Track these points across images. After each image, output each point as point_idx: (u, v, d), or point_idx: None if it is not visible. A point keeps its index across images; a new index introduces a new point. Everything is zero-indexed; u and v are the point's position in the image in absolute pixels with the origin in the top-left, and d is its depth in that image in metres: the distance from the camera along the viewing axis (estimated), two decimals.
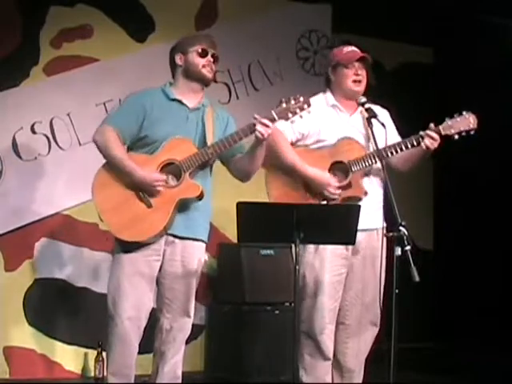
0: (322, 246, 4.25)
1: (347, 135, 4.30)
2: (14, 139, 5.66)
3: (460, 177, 7.27)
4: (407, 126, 4.52)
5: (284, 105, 3.94)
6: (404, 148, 4.20)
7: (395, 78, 7.41)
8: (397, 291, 3.62)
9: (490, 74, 6.96)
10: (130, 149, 4.15)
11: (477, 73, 7.03)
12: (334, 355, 4.42)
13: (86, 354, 5.75)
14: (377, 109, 4.41)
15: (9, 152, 5.64)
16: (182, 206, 4.06)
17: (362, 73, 4.34)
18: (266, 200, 4.30)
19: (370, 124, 4.14)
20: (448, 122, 4.21)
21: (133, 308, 4.05)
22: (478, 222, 7.16)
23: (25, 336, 5.63)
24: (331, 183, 4.20)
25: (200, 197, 4.05)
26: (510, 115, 6.85)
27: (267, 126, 3.90)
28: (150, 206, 4.00)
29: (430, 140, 4.17)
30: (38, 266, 5.69)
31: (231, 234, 5.81)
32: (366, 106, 4.18)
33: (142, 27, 6.07)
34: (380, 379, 3.94)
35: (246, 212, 3.79)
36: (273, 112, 3.93)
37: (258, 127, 3.90)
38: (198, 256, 4.19)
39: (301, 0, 6.61)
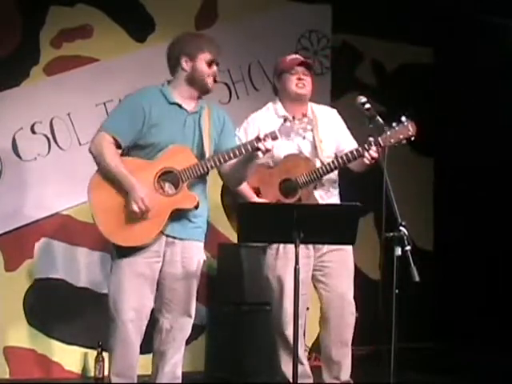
0: (282, 247, 4.41)
1: (292, 151, 4.45)
2: (13, 139, 5.66)
3: (460, 177, 7.27)
4: None
5: (288, 124, 4.02)
6: (347, 162, 4.35)
7: (395, 78, 7.41)
8: (397, 291, 3.62)
9: (490, 73, 6.96)
10: (125, 152, 4.13)
11: (477, 73, 7.03)
12: (320, 349, 4.58)
13: (85, 354, 5.75)
14: (324, 109, 4.54)
15: (8, 152, 5.64)
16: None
17: (306, 77, 4.52)
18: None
19: (370, 124, 4.15)
20: (387, 132, 4.29)
21: (134, 310, 4.05)
22: (477, 222, 7.16)
23: (25, 336, 5.63)
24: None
25: (196, 207, 4.07)
26: (510, 115, 6.85)
27: (268, 146, 3.96)
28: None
29: (371, 152, 4.28)
30: (38, 266, 5.69)
31: (231, 234, 5.81)
32: (367, 106, 4.19)
33: (141, 27, 6.07)
34: (380, 379, 3.94)
35: (246, 212, 3.81)
36: (276, 131, 3.97)
37: (260, 145, 3.95)
38: (197, 256, 4.20)
39: (301, 0, 6.61)
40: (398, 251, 3.65)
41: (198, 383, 5.73)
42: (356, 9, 6.66)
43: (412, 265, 3.60)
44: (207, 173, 4.10)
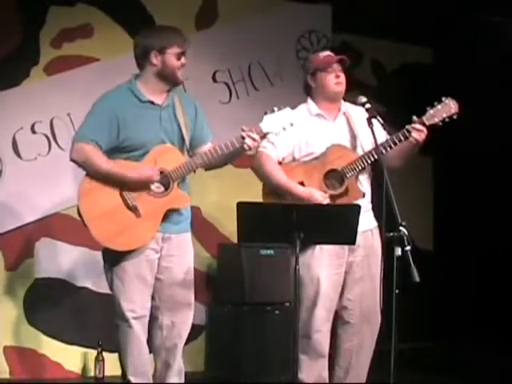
0: (318, 246, 4.28)
1: (335, 142, 4.35)
2: (14, 139, 5.66)
3: (460, 177, 7.27)
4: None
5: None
6: (392, 145, 4.24)
7: (395, 78, 7.41)
8: (397, 291, 3.62)
9: (490, 73, 6.95)
10: (108, 157, 4.12)
11: (477, 73, 7.03)
12: (338, 354, 4.45)
13: (85, 354, 5.75)
14: (354, 109, 4.45)
15: (9, 152, 5.65)
16: None
17: (342, 74, 4.43)
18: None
19: (370, 124, 4.14)
20: (430, 111, 4.28)
21: (141, 309, 4.07)
22: (478, 222, 7.16)
23: (25, 336, 5.63)
24: (320, 198, 4.24)
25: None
26: (510, 115, 6.85)
27: (255, 139, 3.98)
28: (139, 215, 4.01)
29: (417, 132, 4.23)
30: (39, 265, 5.69)
31: (231, 234, 5.81)
32: (367, 106, 4.18)
33: (142, 27, 6.04)
34: (380, 379, 3.94)
35: (247, 212, 3.80)
36: (261, 125, 3.98)
37: (247, 140, 3.96)
38: (190, 246, 4.24)
39: (301, 0, 6.61)
40: (398, 251, 3.64)
41: (198, 383, 5.73)
42: (356, 9, 6.65)
43: (412, 265, 3.60)
44: (195, 170, 4.12)
